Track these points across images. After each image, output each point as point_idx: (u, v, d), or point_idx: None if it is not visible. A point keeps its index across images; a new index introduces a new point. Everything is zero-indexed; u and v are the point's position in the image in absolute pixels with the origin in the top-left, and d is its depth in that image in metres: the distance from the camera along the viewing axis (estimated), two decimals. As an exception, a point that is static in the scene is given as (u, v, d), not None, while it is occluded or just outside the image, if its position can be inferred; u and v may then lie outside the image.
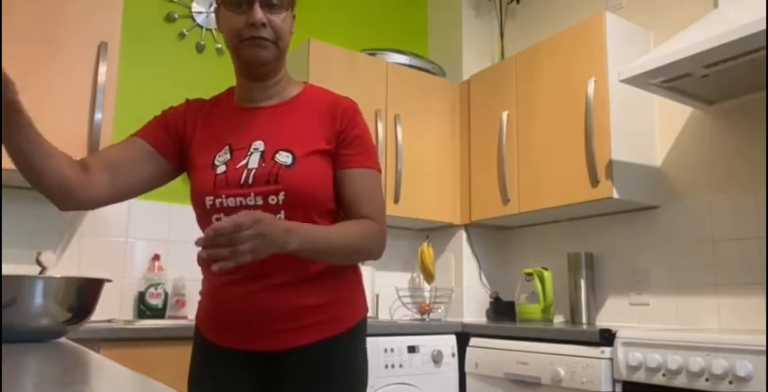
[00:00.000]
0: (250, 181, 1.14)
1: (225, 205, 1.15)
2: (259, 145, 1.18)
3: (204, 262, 1.23)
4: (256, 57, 1.17)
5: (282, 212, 1.13)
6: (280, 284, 1.14)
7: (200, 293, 1.26)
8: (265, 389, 1.17)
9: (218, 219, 1.15)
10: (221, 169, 1.16)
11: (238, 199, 1.14)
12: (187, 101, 1.30)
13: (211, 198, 1.15)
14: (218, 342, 1.18)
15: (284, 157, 1.15)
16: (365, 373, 1.22)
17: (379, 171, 1.25)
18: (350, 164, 1.20)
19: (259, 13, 1.13)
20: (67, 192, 1.09)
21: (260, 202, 1.13)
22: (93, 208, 1.16)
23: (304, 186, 1.14)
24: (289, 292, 1.14)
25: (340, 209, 1.22)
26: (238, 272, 1.15)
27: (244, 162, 1.16)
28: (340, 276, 1.21)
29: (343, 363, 1.17)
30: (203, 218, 1.19)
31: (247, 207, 1.13)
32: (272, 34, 1.16)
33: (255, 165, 1.15)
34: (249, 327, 1.14)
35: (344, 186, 1.20)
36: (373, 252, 1.19)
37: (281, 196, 1.12)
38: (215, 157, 1.19)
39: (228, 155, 1.18)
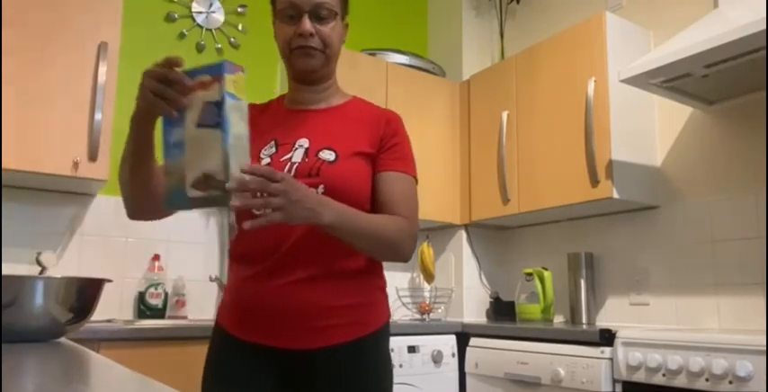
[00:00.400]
0: (292, 173, 1.17)
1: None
2: (304, 142, 1.22)
3: (232, 257, 1.25)
4: (306, 66, 1.23)
5: None
6: (304, 279, 1.14)
7: (225, 289, 1.28)
8: (285, 388, 1.17)
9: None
10: (266, 161, 1.21)
11: None
12: None
13: None
14: (242, 336, 1.18)
15: (327, 155, 1.19)
16: (390, 381, 1.22)
17: (416, 179, 1.28)
18: (386, 168, 1.24)
19: (307, 24, 1.19)
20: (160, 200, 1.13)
21: None
22: (166, 216, 1.21)
23: (343, 182, 1.17)
24: (314, 289, 1.15)
25: (374, 210, 1.23)
26: (263, 264, 1.16)
27: (288, 156, 1.20)
28: (366, 279, 1.22)
29: (366, 368, 1.17)
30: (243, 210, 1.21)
31: None
32: (320, 43, 1.21)
33: (299, 160, 1.19)
34: (272, 321, 1.15)
35: (380, 188, 1.23)
36: (403, 247, 1.20)
37: (320, 189, 1.15)
38: (261, 151, 1.23)
39: (274, 149, 1.22)
